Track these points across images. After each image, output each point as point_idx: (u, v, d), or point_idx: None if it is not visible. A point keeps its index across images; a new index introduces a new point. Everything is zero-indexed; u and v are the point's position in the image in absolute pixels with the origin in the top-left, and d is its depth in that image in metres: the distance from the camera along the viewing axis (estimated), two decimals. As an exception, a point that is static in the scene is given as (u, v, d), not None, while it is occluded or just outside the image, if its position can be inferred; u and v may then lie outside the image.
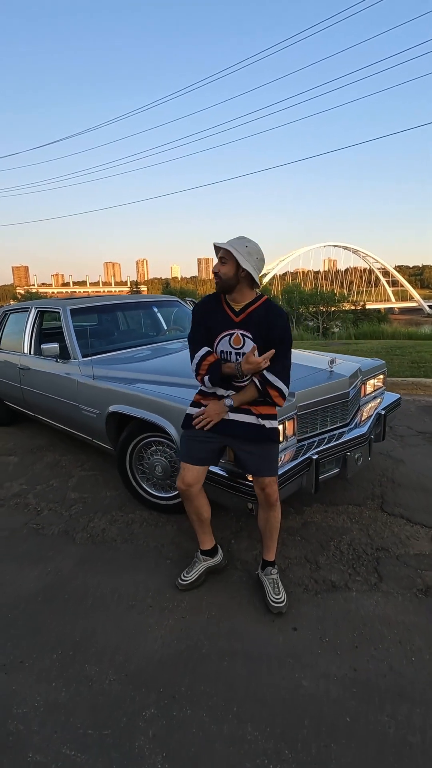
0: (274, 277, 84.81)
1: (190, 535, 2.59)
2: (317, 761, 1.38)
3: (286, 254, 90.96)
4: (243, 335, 1.94)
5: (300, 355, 3.38)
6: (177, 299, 4.88)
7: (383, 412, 3.10)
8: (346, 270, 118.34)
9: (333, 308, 26.02)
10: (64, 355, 3.47)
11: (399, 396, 3.55)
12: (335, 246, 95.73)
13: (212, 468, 2.21)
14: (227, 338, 1.96)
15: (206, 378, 1.97)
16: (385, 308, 52.07)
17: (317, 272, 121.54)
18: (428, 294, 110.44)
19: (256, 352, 1.88)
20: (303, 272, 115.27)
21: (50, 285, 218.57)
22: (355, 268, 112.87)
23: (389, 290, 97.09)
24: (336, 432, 2.71)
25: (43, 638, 1.92)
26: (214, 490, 2.27)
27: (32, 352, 4.01)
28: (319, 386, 2.61)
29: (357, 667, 1.71)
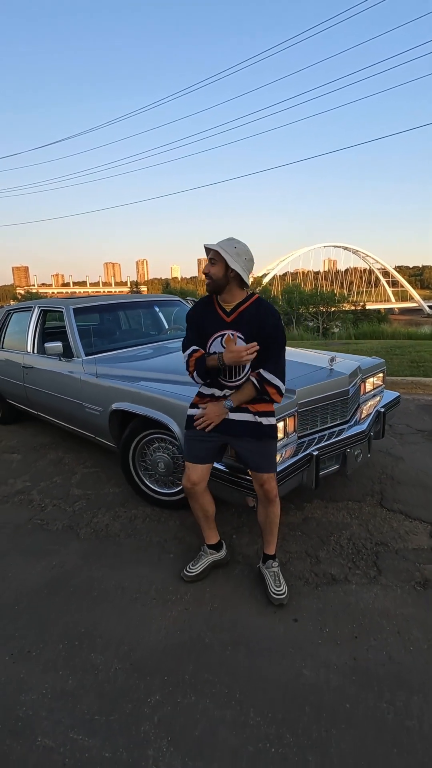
0: (274, 278, 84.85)
1: (192, 530, 2.64)
2: (318, 745, 1.42)
3: (286, 254, 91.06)
4: (235, 335, 1.97)
5: (300, 354, 3.43)
6: (178, 299, 4.92)
7: (383, 410, 3.14)
8: (346, 270, 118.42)
9: (333, 309, 26.06)
10: (67, 353, 3.51)
11: (398, 394, 3.59)
12: (335, 246, 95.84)
13: (214, 464, 2.26)
14: (219, 339, 1.99)
15: (195, 373, 2.03)
16: (385, 308, 52.16)
17: (317, 272, 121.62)
18: (428, 294, 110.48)
19: (237, 341, 1.92)
20: (303, 272, 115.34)
21: (50, 285, 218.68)
22: (355, 269, 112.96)
23: (389, 290, 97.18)
24: (336, 429, 2.76)
25: (49, 629, 1.96)
26: (216, 486, 2.32)
27: (35, 351, 4.05)
28: (319, 384, 2.66)
29: (356, 657, 1.75)
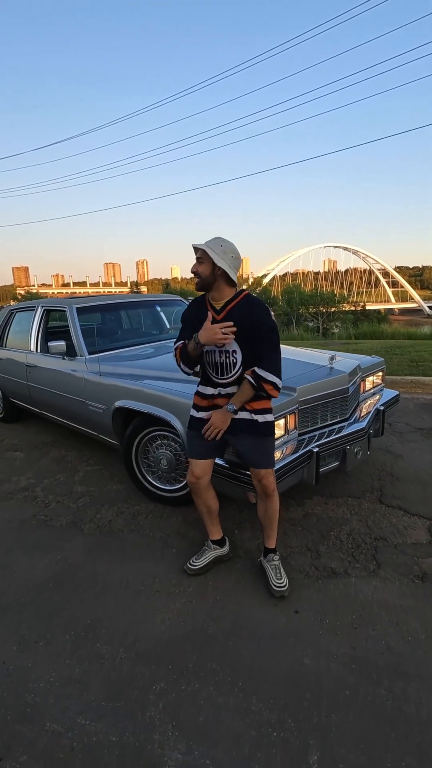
0: (274, 278, 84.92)
1: (195, 526, 2.69)
2: (318, 729, 1.47)
3: (286, 255, 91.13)
4: (227, 328, 1.96)
5: (301, 353, 3.47)
6: (179, 298, 4.97)
7: (382, 408, 3.18)
8: (346, 271, 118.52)
9: (333, 309, 26.11)
10: (70, 352, 3.56)
11: (397, 393, 3.63)
12: (335, 247, 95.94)
13: (216, 460, 2.30)
14: None
15: (182, 364, 2.09)
16: (385, 309, 52.23)
17: (317, 273, 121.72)
18: (428, 295, 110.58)
19: (210, 321, 1.94)
20: (303, 273, 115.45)
21: (50, 285, 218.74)
22: (355, 269, 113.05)
23: (389, 291, 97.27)
24: (336, 426, 2.80)
25: (55, 620, 2.01)
26: (218, 481, 2.36)
27: (39, 350, 4.09)
28: (319, 382, 2.70)
29: (356, 646, 1.80)
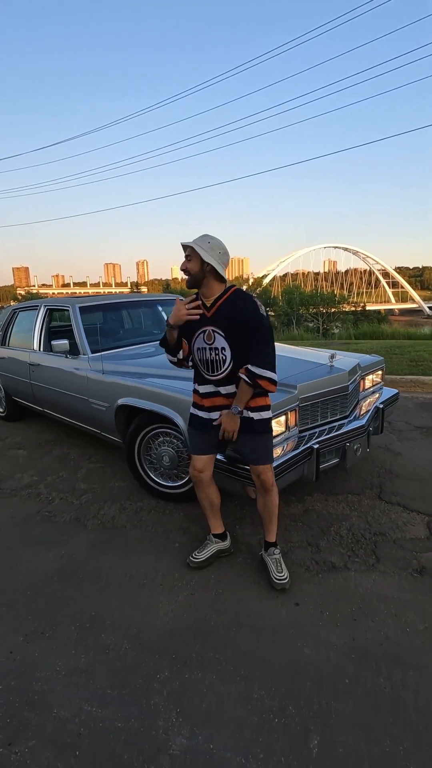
0: (274, 278, 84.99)
1: (197, 521, 2.73)
2: (318, 715, 1.51)
3: (287, 255, 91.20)
4: (214, 331, 2.02)
5: (301, 351, 3.51)
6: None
7: (381, 406, 3.22)
8: (347, 271, 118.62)
9: (333, 309, 26.15)
10: (73, 351, 3.60)
11: (397, 391, 3.67)
12: (335, 247, 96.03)
13: (217, 456, 2.34)
14: (202, 335, 2.06)
15: (166, 354, 2.18)
16: (385, 309, 52.27)
17: (317, 273, 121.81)
18: (428, 295, 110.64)
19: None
20: (303, 273, 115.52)
21: (50, 286, 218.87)
22: (356, 270, 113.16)
23: (389, 291, 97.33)
24: (336, 423, 2.84)
25: (60, 612, 2.05)
26: (218, 476, 2.39)
27: (42, 349, 4.13)
28: (319, 380, 2.74)
29: (355, 637, 1.84)
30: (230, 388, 2.08)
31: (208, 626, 1.93)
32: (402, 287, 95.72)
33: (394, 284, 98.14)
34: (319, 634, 1.86)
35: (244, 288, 3.06)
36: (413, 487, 3.09)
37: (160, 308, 4.74)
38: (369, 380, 3.44)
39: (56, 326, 4.60)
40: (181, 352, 2.17)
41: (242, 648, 1.81)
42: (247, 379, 1.97)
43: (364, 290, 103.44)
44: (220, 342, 2.01)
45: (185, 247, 2.00)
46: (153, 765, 1.38)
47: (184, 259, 2.01)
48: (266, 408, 2.10)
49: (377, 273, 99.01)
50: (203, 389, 2.15)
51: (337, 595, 2.08)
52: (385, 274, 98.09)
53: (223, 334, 2.00)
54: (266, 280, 71.99)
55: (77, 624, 1.97)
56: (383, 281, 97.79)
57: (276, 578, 2.13)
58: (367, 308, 37.21)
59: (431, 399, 5.27)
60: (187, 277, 2.02)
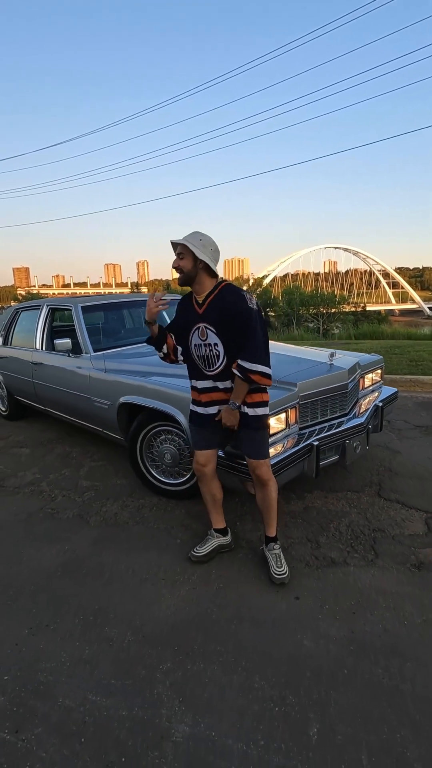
0: (274, 279, 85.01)
1: (198, 518, 2.76)
2: (318, 704, 1.54)
3: (287, 256, 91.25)
4: (206, 328, 2.05)
5: (301, 350, 3.55)
6: (181, 297, 5.04)
7: (380, 404, 3.26)
8: (347, 272, 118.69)
9: (333, 310, 26.17)
10: (75, 350, 3.64)
11: (396, 390, 3.71)
12: (336, 248, 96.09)
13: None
14: (196, 332, 2.10)
15: (156, 351, 2.28)
16: (385, 310, 52.30)
17: (317, 274, 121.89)
18: (428, 296, 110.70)
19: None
20: (303, 274, 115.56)
21: (51, 286, 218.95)
22: (356, 270, 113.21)
23: (389, 292, 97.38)
24: (336, 421, 2.88)
25: (64, 606, 2.08)
26: (218, 471, 2.43)
27: (44, 348, 4.17)
28: (319, 377, 2.78)
29: (354, 630, 1.87)
30: (227, 383, 2.11)
31: (210, 619, 1.96)
32: (402, 288, 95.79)
33: (394, 285, 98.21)
34: (318, 627, 1.89)
35: (245, 288, 3.09)
36: (412, 485, 3.13)
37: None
38: (368, 379, 3.47)
39: (58, 326, 4.63)
40: (165, 347, 2.23)
41: (243, 640, 1.84)
42: (239, 374, 2.00)
43: (365, 291, 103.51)
44: (213, 338, 2.04)
45: (176, 245, 2.03)
46: (156, 751, 1.41)
47: (176, 257, 2.04)
48: (262, 404, 2.11)
49: (377, 273, 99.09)
50: (201, 384, 2.18)
51: (336, 589, 2.12)
52: (386, 275, 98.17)
53: (214, 330, 2.03)
54: (266, 281, 72.04)
55: (81, 617, 2.00)
56: (383, 282, 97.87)
57: (275, 573, 2.16)
58: (368, 309, 37.25)
59: (430, 398, 5.31)
60: (179, 275, 2.05)
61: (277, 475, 2.30)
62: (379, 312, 38.61)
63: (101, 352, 3.52)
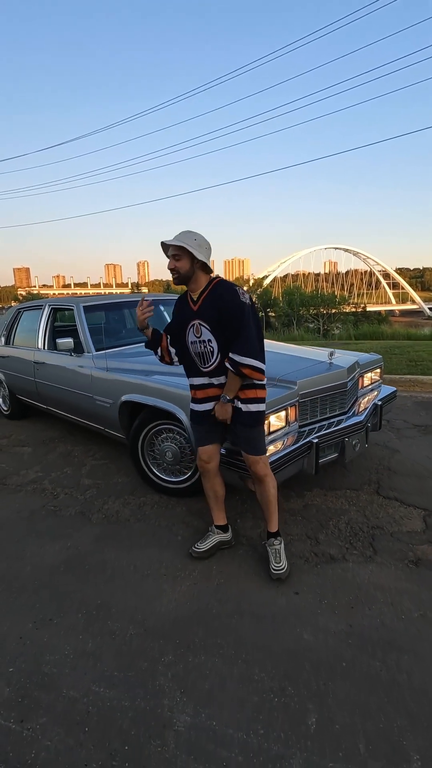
0: (275, 279, 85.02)
1: (199, 515, 2.80)
2: (316, 695, 1.58)
3: (287, 256, 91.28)
4: (200, 325, 2.08)
5: (301, 349, 3.59)
6: (178, 297, 5.08)
7: (379, 403, 3.29)
8: (347, 272, 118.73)
9: (333, 310, 26.22)
10: (77, 349, 3.67)
11: (395, 389, 3.74)
12: (336, 248, 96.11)
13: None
14: (191, 329, 2.13)
15: (154, 353, 2.36)
16: (385, 310, 52.34)
17: (318, 274, 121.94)
18: (429, 296, 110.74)
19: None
20: (303, 274, 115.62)
21: (51, 286, 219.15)
22: (356, 271, 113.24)
23: (390, 292, 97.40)
24: (335, 419, 2.91)
25: (67, 601, 2.11)
26: (220, 468, 2.47)
27: (46, 348, 4.21)
28: (319, 376, 2.81)
29: (352, 624, 1.90)
30: (222, 379, 2.14)
31: (211, 614, 1.99)
32: (402, 288, 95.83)
33: (394, 285, 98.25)
34: (317, 621, 1.93)
35: (245, 288, 3.13)
36: (411, 483, 3.16)
37: (162, 308, 4.81)
38: (367, 378, 3.50)
39: (60, 325, 4.67)
40: (159, 349, 2.31)
41: (243, 634, 1.87)
42: (230, 367, 2.02)
43: (365, 291, 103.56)
44: (207, 334, 2.08)
45: (169, 246, 2.03)
46: (158, 740, 1.45)
47: (170, 259, 2.05)
48: (256, 401, 2.13)
49: (378, 274, 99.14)
50: (198, 381, 2.22)
51: (335, 585, 2.15)
52: (386, 275, 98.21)
53: (208, 326, 2.06)
54: (267, 281, 72.06)
55: (84, 612, 2.04)
56: (384, 282, 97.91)
57: (274, 568, 2.19)
58: (368, 309, 37.29)
59: (430, 398, 5.34)
60: (175, 275, 2.07)
61: (276, 472, 2.34)
62: (379, 312, 38.66)
63: (103, 352, 3.55)
